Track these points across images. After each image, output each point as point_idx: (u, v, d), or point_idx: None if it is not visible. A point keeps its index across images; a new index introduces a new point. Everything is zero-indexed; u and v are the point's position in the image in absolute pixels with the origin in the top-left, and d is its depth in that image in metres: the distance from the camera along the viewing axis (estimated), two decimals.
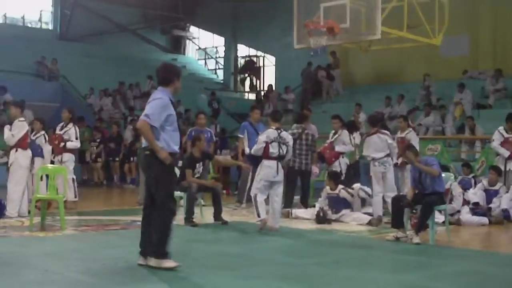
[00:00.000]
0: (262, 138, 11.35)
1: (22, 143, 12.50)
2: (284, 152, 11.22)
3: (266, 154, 11.18)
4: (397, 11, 15.44)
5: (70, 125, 14.06)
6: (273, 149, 11.15)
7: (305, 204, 13.78)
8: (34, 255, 8.67)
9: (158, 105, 7.64)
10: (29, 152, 12.63)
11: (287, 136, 11.37)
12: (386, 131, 12.91)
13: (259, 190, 11.24)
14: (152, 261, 7.56)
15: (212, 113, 26.97)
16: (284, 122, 21.11)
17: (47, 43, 30.90)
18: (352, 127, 15.31)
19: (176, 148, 7.78)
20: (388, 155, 12.25)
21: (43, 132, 13.90)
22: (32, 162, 12.85)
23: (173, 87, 7.89)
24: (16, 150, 12.49)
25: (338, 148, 14.24)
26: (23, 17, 34.22)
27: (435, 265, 8.56)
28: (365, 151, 12.56)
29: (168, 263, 7.50)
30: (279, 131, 11.28)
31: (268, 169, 11.15)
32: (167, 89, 7.85)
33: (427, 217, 10.06)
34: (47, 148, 13.64)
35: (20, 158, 12.46)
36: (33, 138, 13.37)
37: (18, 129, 12.48)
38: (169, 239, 7.60)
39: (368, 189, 13.13)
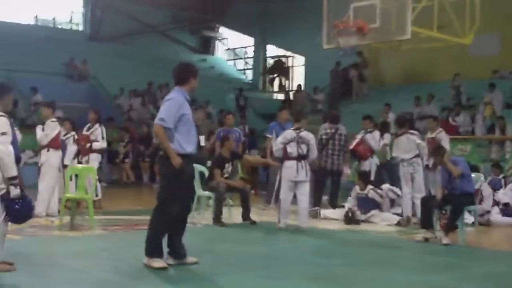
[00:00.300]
0: (279, 139, 11.61)
1: (54, 143, 12.61)
2: (304, 151, 11.22)
3: (285, 155, 11.31)
4: (427, 10, 15.34)
5: (97, 125, 14.12)
6: (291, 149, 11.25)
7: (333, 204, 13.76)
8: (63, 254, 8.73)
9: (170, 105, 7.63)
10: (60, 152, 12.74)
11: (307, 135, 11.33)
12: (415, 132, 12.85)
13: (283, 190, 11.39)
14: (145, 259, 7.62)
15: (238, 110, 27.06)
16: (313, 122, 21.15)
17: (77, 44, 31.09)
18: (384, 128, 15.25)
19: (190, 149, 7.70)
20: (417, 156, 12.17)
21: (73, 132, 13.99)
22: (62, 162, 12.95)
23: (189, 86, 7.84)
24: (48, 150, 12.59)
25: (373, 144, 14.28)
26: (54, 19, 34.46)
27: (464, 266, 8.51)
28: (394, 152, 12.51)
29: (156, 263, 7.50)
30: (298, 131, 11.33)
31: (289, 170, 11.28)
32: (183, 88, 7.83)
33: (456, 218, 10.00)
34: (71, 149, 13.69)
35: (52, 158, 12.57)
36: (63, 138, 13.46)
37: (51, 129, 12.58)
38: (158, 239, 7.61)
39: (397, 190, 13.06)
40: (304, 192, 11.30)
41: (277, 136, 14.13)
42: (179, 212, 7.73)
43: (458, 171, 10.11)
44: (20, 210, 7.12)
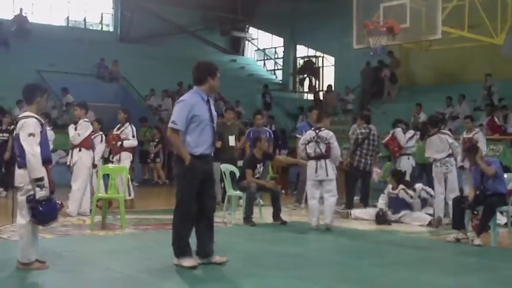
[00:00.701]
0: (300, 141, 11.85)
1: (86, 143, 12.72)
2: (323, 151, 11.24)
3: (307, 155, 11.49)
4: (458, 10, 15.25)
5: (127, 124, 14.20)
6: (310, 150, 11.40)
7: (365, 203, 13.78)
8: (95, 253, 8.80)
9: (180, 108, 7.63)
10: (91, 152, 12.85)
11: (326, 134, 11.33)
12: (446, 131, 12.78)
13: (308, 190, 11.62)
14: (175, 260, 7.63)
15: (264, 106, 27.12)
16: (344, 122, 21.08)
17: (108, 45, 31.29)
18: (424, 130, 15.05)
19: (201, 150, 7.62)
20: (449, 156, 12.08)
21: (101, 132, 14.07)
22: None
23: (207, 85, 7.79)
24: (80, 150, 12.70)
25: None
26: (84, 20, 34.68)
27: (496, 268, 8.43)
28: (427, 152, 12.43)
29: (186, 262, 7.49)
30: (317, 131, 11.40)
31: (309, 169, 11.46)
32: (201, 88, 7.80)
33: (489, 219, 9.91)
34: (99, 148, 13.75)
35: (84, 158, 12.67)
36: (92, 138, 13.55)
37: (84, 129, 12.70)
38: (182, 238, 7.61)
39: (430, 190, 12.99)
40: (328, 190, 11.33)
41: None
42: (199, 211, 7.73)
43: (492, 171, 10.03)
44: (44, 212, 7.14)
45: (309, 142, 11.41)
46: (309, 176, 11.48)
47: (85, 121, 12.78)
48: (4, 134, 16.31)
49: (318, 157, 11.28)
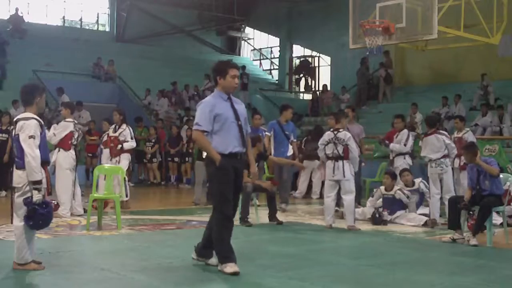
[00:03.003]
0: (319, 142, 11.86)
1: (63, 144, 12.63)
2: (340, 152, 11.38)
3: (325, 156, 11.66)
4: (454, 10, 15.27)
5: (124, 125, 14.16)
6: (328, 150, 11.56)
7: (358, 201, 13.79)
8: (91, 253, 8.80)
9: (202, 109, 7.57)
10: (71, 153, 12.68)
11: (344, 135, 11.48)
12: (444, 132, 12.78)
13: (325, 189, 11.88)
14: (218, 265, 7.49)
15: (241, 87, 27.53)
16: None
17: (104, 45, 31.30)
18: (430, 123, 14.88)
19: (229, 149, 7.51)
20: (445, 156, 12.09)
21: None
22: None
23: (221, 85, 7.68)
24: (59, 151, 12.63)
25: (392, 146, 14.10)
26: (80, 20, 34.67)
27: (492, 268, 8.43)
28: (423, 151, 12.43)
29: (228, 268, 7.32)
30: (335, 132, 11.55)
31: (327, 169, 11.71)
32: (218, 88, 7.74)
33: (484, 219, 9.92)
34: (106, 150, 13.73)
35: (60, 159, 12.58)
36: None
37: (61, 129, 12.62)
38: (223, 242, 7.44)
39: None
40: (345, 191, 11.51)
41: (275, 134, 14.18)
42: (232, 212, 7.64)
43: (496, 171, 10.05)
44: (39, 216, 7.08)
45: (328, 143, 11.57)
46: (327, 176, 11.74)
47: (65, 121, 12.70)
48: (3, 135, 16.20)
49: (336, 158, 11.44)
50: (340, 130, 11.57)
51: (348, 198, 11.48)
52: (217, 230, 7.47)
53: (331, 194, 11.65)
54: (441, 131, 12.51)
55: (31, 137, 7.12)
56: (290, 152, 14.27)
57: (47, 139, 12.56)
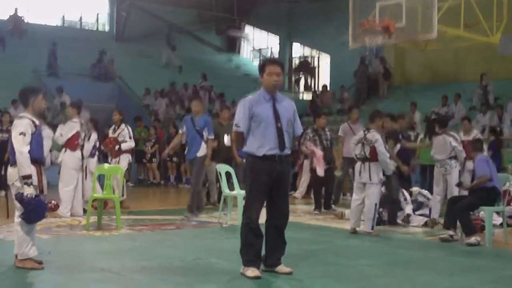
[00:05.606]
0: (351, 140, 11.46)
1: (70, 144, 12.64)
2: (367, 153, 10.78)
3: (355, 156, 11.12)
4: (454, 9, 15.26)
5: (123, 126, 14.16)
6: (356, 151, 11.00)
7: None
8: (90, 254, 8.79)
9: (239, 109, 7.37)
10: (77, 153, 12.71)
11: (372, 136, 10.80)
12: (453, 133, 12.43)
13: (354, 191, 11.23)
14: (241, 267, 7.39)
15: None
16: (339, 121, 21.06)
17: (103, 44, 31.28)
18: (431, 128, 14.75)
19: (263, 151, 7.24)
20: (450, 158, 11.92)
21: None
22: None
23: (264, 84, 7.43)
24: (65, 151, 12.65)
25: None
26: (80, 20, 34.66)
27: (492, 268, 8.43)
28: (432, 150, 12.35)
29: (249, 272, 7.20)
30: (366, 132, 10.99)
31: (356, 171, 11.10)
32: (262, 87, 7.48)
33: (465, 222, 9.96)
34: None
35: (67, 159, 12.61)
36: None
37: (68, 129, 12.64)
38: (249, 245, 7.31)
39: (426, 193, 12.98)
40: (368, 195, 10.80)
41: (187, 129, 12.81)
42: (268, 218, 7.51)
43: (483, 180, 10.13)
44: (30, 210, 7.17)
45: (358, 142, 10.95)
46: (355, 178, 11.09)
47: (72, 121, 12.72)
48: (4, 135, 16.18)
49: (362, 160, 10.85)
50: (371, 130, 10.89)
51: (369, 203, 10.77)
52: (242, 232, 7.38)
53: (357, 197, 10.99)
54: (450, 132, 12.24)
55: (21, 133, 7.24)
56: None
57: (55, 139, 12.68)
